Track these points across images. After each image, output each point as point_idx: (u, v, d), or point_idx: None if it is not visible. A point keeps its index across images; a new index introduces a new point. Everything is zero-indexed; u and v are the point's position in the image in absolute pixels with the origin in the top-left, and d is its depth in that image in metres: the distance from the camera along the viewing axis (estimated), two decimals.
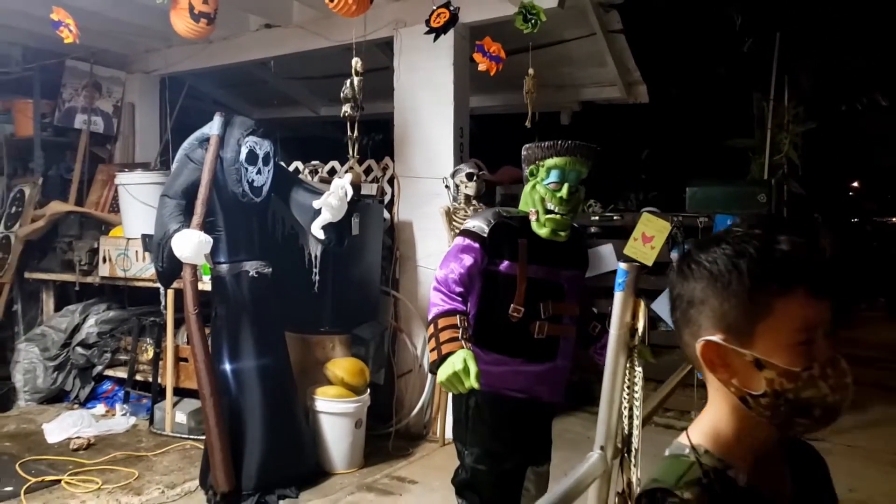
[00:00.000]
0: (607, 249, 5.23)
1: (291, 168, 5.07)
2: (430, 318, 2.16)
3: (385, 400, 4.39)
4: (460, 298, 2.15)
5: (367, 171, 4.87)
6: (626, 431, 1.37)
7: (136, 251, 4.45)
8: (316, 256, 3.78)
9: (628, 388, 1.38)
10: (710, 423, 0.93)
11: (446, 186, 4.41)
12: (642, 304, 1.39)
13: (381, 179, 4.75)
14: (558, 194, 2.19)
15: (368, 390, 3.94)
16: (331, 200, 3.38)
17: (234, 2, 4.66)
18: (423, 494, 3.42)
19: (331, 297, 4.07)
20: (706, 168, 6.00)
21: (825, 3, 6.96)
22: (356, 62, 3.45)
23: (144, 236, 4.16)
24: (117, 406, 4.72)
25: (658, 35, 5.35)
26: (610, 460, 1.36)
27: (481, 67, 3.50)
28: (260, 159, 3.46)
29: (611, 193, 6.24)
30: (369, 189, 4.72)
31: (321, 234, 3.41)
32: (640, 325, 1.37)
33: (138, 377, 4.72)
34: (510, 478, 2.24)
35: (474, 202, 4.35)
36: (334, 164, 5.04)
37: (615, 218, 5.30)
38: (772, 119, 4.85)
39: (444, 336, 2.07)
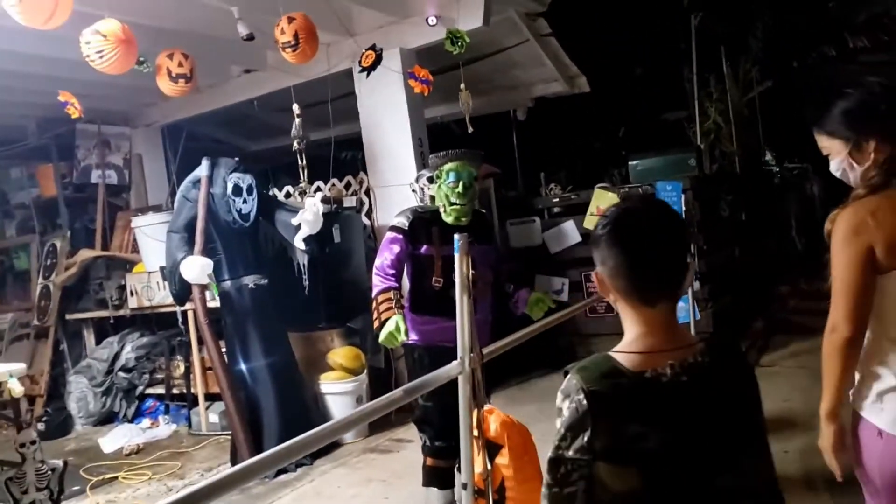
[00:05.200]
0: (569, 225, 5.86)
1: (282, 192, 5.78)
2: (372, 296, 2.84)
3: (386, 380, 5.07)
4: (393, 278, 2.83)
5: (347, 185, 5.56)
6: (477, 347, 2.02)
7: (157, 282, 5.18)
8: (303, 265, 4.47)
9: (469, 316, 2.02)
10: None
11: (413, 191, 5.07)
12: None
13: (358, 192, 5.43)
14: (457, 190, 2.85)
15: (365, 372, 4.62)
16: (306, 216, 4.07)
17: (217, 55, 5.33)
18: (416, 449, 4.06)
19: (324, 297, 4.75)
20: (656, 140, 6.58)
21: None
22: (296, 107, 4.13)
23: (162, 268, 4.90)
24: (160, 418, 5.46)
25: (586, 31, 5.96)
26: (468, 365, 2.00)
27: (416, 90, 4.16)
28: (244, 191, 4.16)
29: (592, 174, 6.81)
30: (350, 201, 5.41)
31: (303, 245, 4.10)
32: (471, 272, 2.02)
33: (175, 391, 5.46)
34: (452, 410, 2.88)
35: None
36: (319, 183, 5.73)
37: (573, 197, 5.92)
38: (697, 90, 5.39)
39: (382, 307, 2.77)
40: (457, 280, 2.02)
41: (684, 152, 5.43)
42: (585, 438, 1.20)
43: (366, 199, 5.37)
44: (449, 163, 2.88)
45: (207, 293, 4.19)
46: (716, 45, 6.48)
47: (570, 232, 5.84)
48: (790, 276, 8.20)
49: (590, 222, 5.67)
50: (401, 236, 2.88)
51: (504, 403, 5.10)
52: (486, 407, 2.09)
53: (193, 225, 4.06)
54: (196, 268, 3.83)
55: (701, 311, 5.24)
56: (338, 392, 4.40)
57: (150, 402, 5.74)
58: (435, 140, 5.25)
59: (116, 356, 5.71)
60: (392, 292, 2.78)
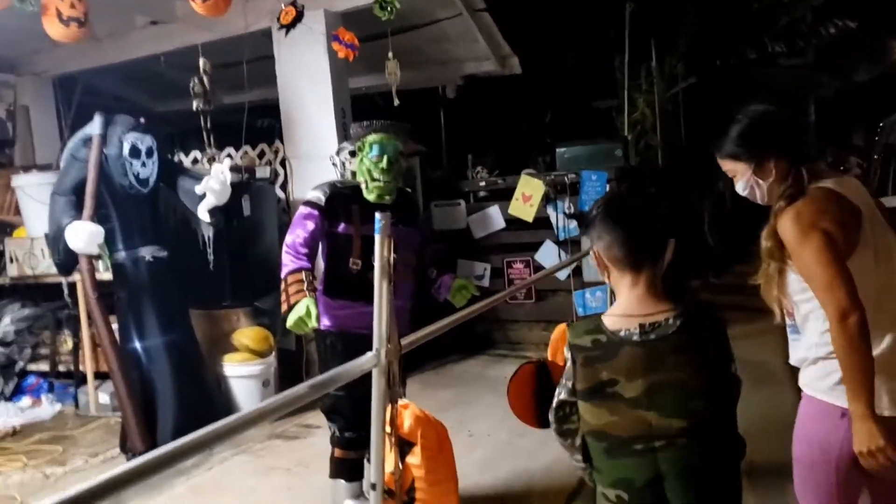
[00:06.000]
0: (494, 210, 5.76)
1: (189, 158, 5.34)
2: (281, 276, 2.59)
3: (297, 363, 4.81)
4: (305, 258, 2.60)
5: (261, 154, 5.20)
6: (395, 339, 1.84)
7: (42, 249, 4.67)
8: (209, 238, 4.13)
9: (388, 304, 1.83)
10: None
11: (333, 164, 4.77)
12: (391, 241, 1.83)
13: (273, 162, 5.09)
14: (380, 165, 2.63)
15: (274, 354, 4.35)
16: (212, 185, 3.73)
17: (117, 2, 4.82)
18: (324, 436, 3.83)
19: (230, 274, 4.42)
20: (585, 128, 6.56)
21: None
22: (203, 63, 3.78)
23: (46, 234, 4.40)
24: (43, 396, 4.96)
25: (523, 9, 5.82)
26: (384, 357, 1.81)
27: (340, 55, 3.88)
28: (143, 153, 3.77)
29: (518, 159, 6.67)
30: (263, 172, 5.06)
31: (207, 217, 3.76)
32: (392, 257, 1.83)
33: (61, 367, 4.98)
34: (364, 400, 2.69)
35: None
36: (230, 150, 5.33)
37: (499, 182, 5.80)
38: (628, 80, 5.37)
39: (291, 290, 2.52)
40: (376, 264, 1.82)
41: (611, 142, 5.41)
42: (571, 383, 1.54)
43: (281, 171, 5.03)
44: (372, 134, 2.66)
45: (99, 263, 3.79)
46: (647, 36, 6.50)
47: (494, 217, 5.74)
48: (701, 271, 8.46)
49: (515, 209, 5.58)
50: (316, 212, 2.64)
51: (419, 389, 4.96)
52: (401, 401, 1.91)
53: (82, 188, 3.64)
54: (84, 235, 3.42)
55: None
56: (242, 375, 4.11)
57: (32, 380, 5.21)
58: (358, 112, 4.97)
59: None
60: (303, 273, 2.54)
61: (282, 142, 5.04)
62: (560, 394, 1.59)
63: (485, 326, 5.93)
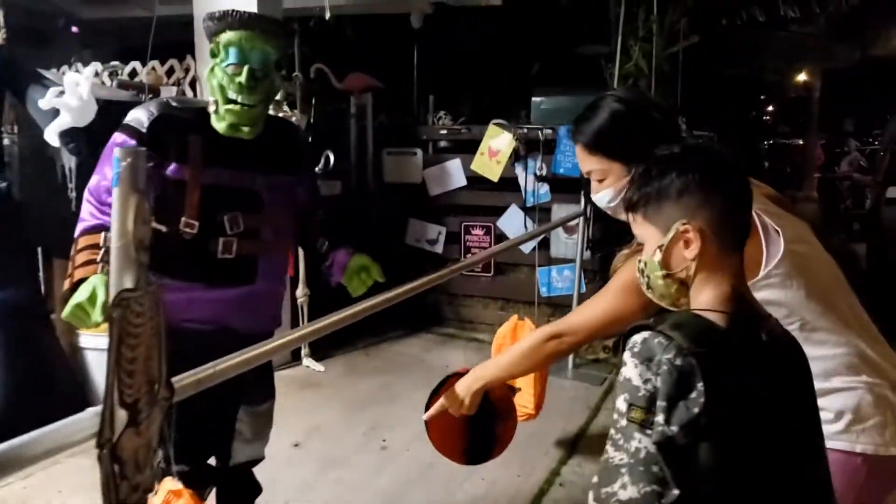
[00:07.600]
0: (455, 164, 4.92)
1: (87, 70, 4.34)
2: (75, 235, 1.72)
3: None
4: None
5: (170, 72, 4.23)
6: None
7: None
8: (71, 169, 3.20)
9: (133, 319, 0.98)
10: None
11: None
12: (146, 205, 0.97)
13: (182, 82, 4.13)
14: (237, 79, 1.73)
15: None
16: (67, 100, 2.79)
17: None
18: None
19: None
20: (569, 77, 5.62)
21: None
22: None
23: None
24: None
25: None
26: (110, 426, 0.97)
27: None
28: None
29: (494, 109, 5.74)
30: (170, 92, 4.11)
31: (56, 141, 2.82)
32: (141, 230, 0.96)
33: None
34: (211, 419, 1.88)
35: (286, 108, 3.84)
36: (135, 64, 4.35)
37: (462, 131, 4.91)
38: (623, 25, 4.47)
39: (80, 259, 1.65)
40: (113, 242, 0.95)
41: (598, 94, 4.51)
42: (695, 411, 0.93)
43: (190, 93, 4.08)
44: (227, 31, 1.75)
45: None
46: None
47: (454, 172, 4.89)
48: None
49: (479, 164, 4.71)
50: (134, 142, 1.74)
51: (342, 373, 4.13)
52: (171, 483, 1.08)
53: None
54: None
55: (587, 284, 4.50)
56: (103, 348, 3.24)
57: None
58: (302, 36, 4.02)
59: None
60: (104, 235, 1.67)
61: (194, 58, 4.08)
62: (662, 425, 0.96)
63: (434, 298, 5.14)
